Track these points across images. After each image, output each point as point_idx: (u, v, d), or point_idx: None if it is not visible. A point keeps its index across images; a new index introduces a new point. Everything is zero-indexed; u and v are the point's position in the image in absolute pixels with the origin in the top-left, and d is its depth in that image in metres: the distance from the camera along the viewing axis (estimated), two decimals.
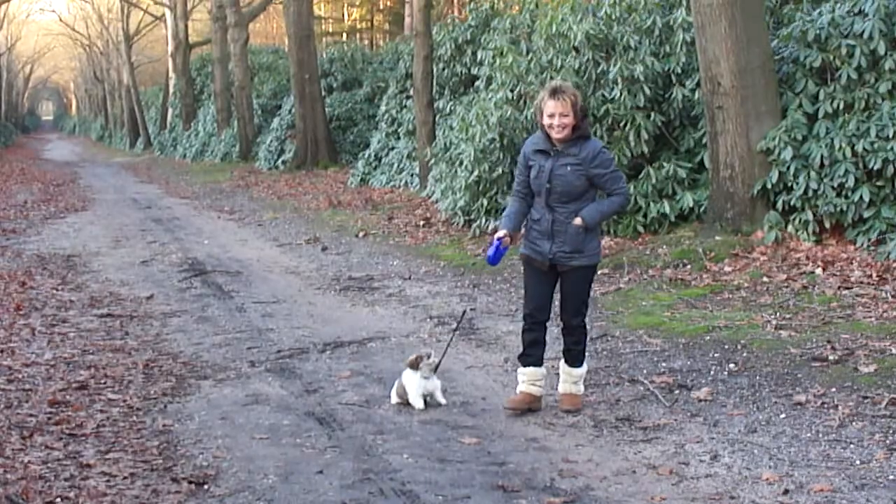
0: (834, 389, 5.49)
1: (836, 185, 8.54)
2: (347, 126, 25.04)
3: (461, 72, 17.21)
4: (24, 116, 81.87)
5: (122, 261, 11.54)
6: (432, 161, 14.82)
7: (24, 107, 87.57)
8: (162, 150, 41.61)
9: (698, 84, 9.82)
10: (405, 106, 19.68)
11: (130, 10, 47.54)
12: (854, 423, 4.97)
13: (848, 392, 5.44)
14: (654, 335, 7.03)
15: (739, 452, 4.69)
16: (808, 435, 4.86)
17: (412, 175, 17.96)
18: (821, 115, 8.93)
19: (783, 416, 5.16)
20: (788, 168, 8.81)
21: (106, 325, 7.93)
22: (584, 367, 5.53)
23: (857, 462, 4.50)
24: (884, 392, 5.36)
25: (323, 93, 24.97)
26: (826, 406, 5.25)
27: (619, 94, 10.28)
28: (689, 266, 8.84)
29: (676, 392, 5.70)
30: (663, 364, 6.31)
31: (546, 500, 4.21)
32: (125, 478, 4.51)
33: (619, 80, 10.29)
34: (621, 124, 10.37)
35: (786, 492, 4.22)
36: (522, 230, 5.52)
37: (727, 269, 8.55)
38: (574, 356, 5.47)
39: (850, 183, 8.45)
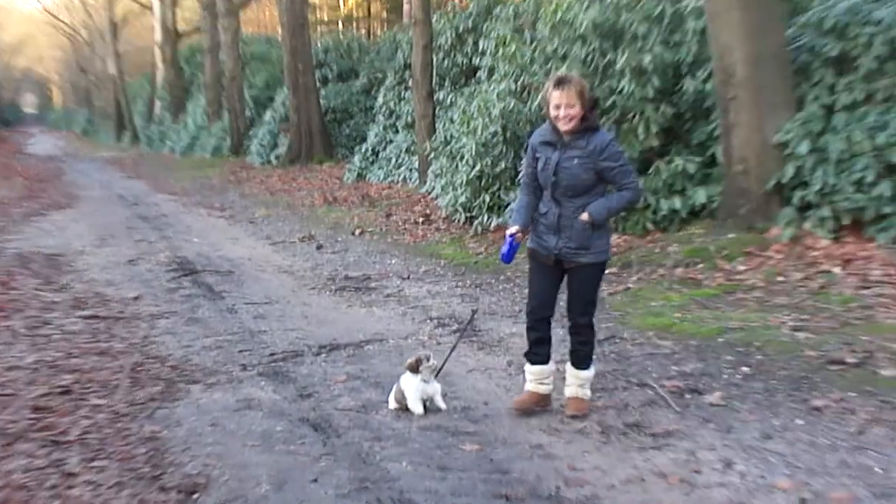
0: (853, 394, 5.48)
1: (854, 179, 8.52)
2: (343, 119, 25.05)
3: (462, 62, 17.21)
4: (5, 109, 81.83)
5: (107, 260, 11.53)
6: (432, 155, 14.83)
7: (5, 99, 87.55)
8: (149, 144, 41.62)
9: (710, 74, 9.81)
10: (403, 98, 19.69)
11: None
12: (874, 429, 4.97)
13: (867, 396, 5.43)
14: (664, 337, 7.02)
15: (754, 460, 4.68)
16: (826, 442, 4.86)
17: (411, 170, 17.96)
18: (839, 106, 8.91)
19: (800, 421, 5.15)
20: (805, 162, 8.80)
21: (91, 326, 7.91)
22: (592, 370, 5.52)
23: (878, 470, 4.49)
24: None
25: (318, 84, 24.98)
26: (845, 411, 5.25)
27: (627, 86, 10.27)
28: (700, 265, 8.83)
29: (688, 397, 5.69)
30: (674, 367, 6.30)
31: None
32: (111, 487, 4.50)
33: (627, 70, 10.28)
34: (629, 117, 10.36)
35: (802, 501, 4.21)
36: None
37: (741, 267, 8.54)
38: (581, 358, 5.47)
39: (870, 178, 8.42)
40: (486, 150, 11.92)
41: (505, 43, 12.28)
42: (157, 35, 41.46)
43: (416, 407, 5.52)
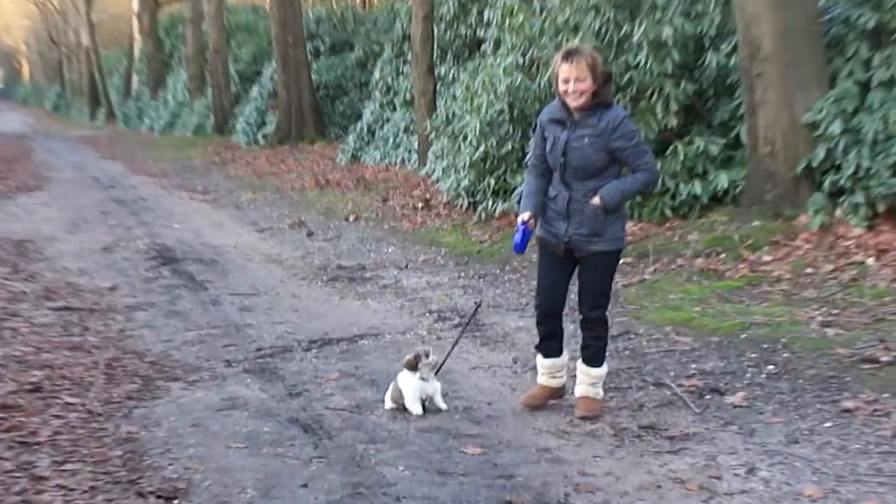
0: (886, 395, 5.48)
1: (891, 163, 8.49)
2: (337, 95, 25.00)
3: (466, 33, 17.17)
4: None
5: (81, 247, 11.53)
6: (433, 135, 14.81)
7: None
8: (126, 121, 41.57)
9: (735, 48, 9.78)
10: (402, 72, 19.65)
11: None
12: None
13: None
14: (682, 333, 7.03)
15: (779, 465, 4.68)
16: (857, 446, 4.86)
17: (410, 151, 17.94)
18: (875, 83, 8.88)
19: (829, 424, 5.16)
20: (837, 144, 8.78)
21: (63, 319, 7.91)
22: (604, 368, 5.53)
23: None
24: None
25: (309, 57, 24.92)
26: (877, 414, 5.25)
27: (644, 60, 10.25)
28: (722, 255, 8.83)
29: (708, 397, 5.70)
30: (693, 365, 6.31)
31: None
32: (84, 492, 4.50)
33: (645, 43, 10.25)
34: (647, 94, 10.34)
35: None
36: None
37: (766, 258, 8.54)
38: (592, 354, 5.48)
39: None
40: (492, 129, 11.89)
41: (512, 13, 12.24)
42: (135, 3, 41.37)
43: (415, 407, 5.53)
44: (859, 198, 8.60)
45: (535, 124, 5.57)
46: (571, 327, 5.96)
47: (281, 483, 4.61)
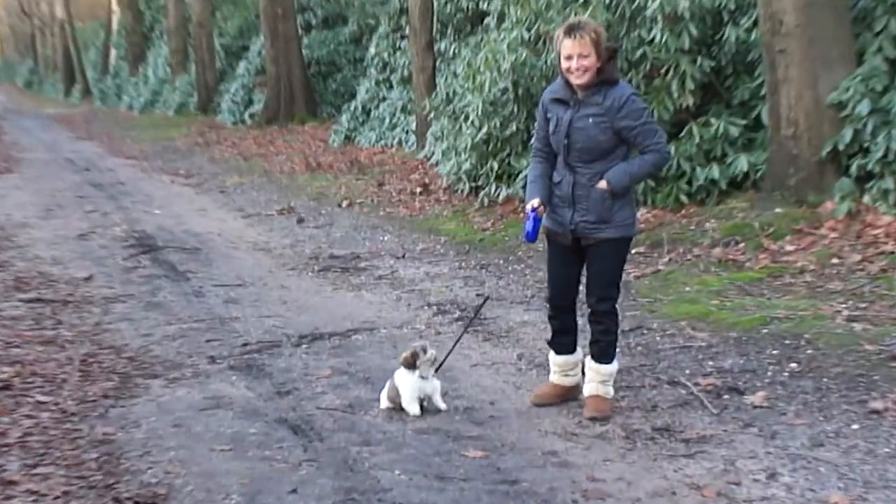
0: None
1: None
2: (329, 72, 24.99)
3: (467, 6, 17.12)
4: None
5: (54, 234, 11.52)
6: (432, 115, 14.79)
7: None
8: (103, 99, 41.55)
9: (756, 22, 9.75)
10: (399, 48, 19.62)
11: None
12: None
13: None
14: (699, 328, 7.02)
15: (802, 470, 4.68)
16: (887, 450, 4.85)
17: (407, 132, 17.93)
18: None
19: (856, 426, 5.15)
20: (865, 125, 8.76)
21: (34, 312, 7.91)
22: (615, 365, 5.53)
23: None
24: None
25: (300, 31, 24.89)
26: None
27: (659, 35, 10.22)
28: (742, 244, 8.82)
29: (726, 397, 5.70)
30: (710, 363, 6.30)
31: None
32: (57, 497, 4.50)
33: (660, 17, 10.22)
34: (661, 71, 10.31)
35: None
36: None
37: (789, 247, 8.53)
38: (602, 350, 5.48)
39: None
40: (495, 109, 11.87)
41: None
42: None
43: (412, 407, 5.52)
44: (889, 183, 8.58)
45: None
46: (580, 321, 5.94)
47: (268, 488, 4.60)
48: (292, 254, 10.48)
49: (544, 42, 11.65)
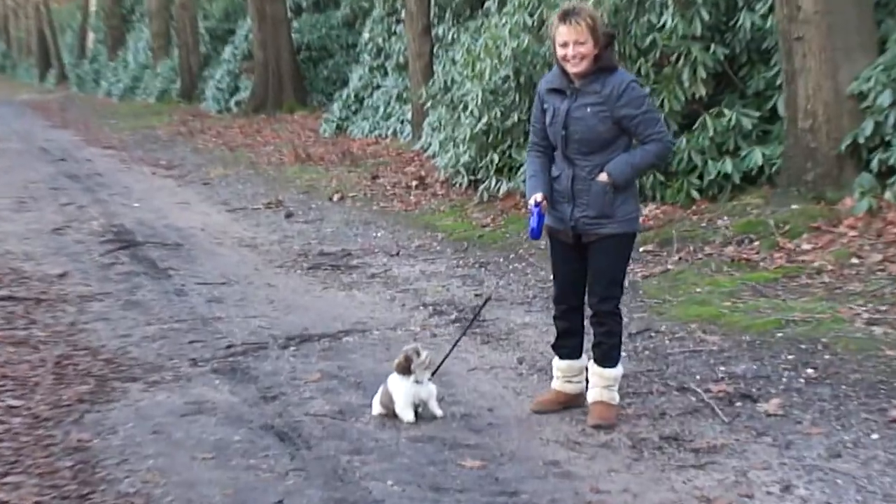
0: None
1: None
2: (320, 58, 24.96)
3: None
4: None
5: (27, 228, 11.51)
6: (429, 104, 14.78)
7: None
8: (80, 85, 41.50)
9: (772, 8, 9.75)
10: (395, 33, 19.61)
11: None
12: None
13: None
14: (710, 331, 7.02)
15: (819, 482, 4.68)
16: None
17: (402, 122, 17.92)
18: None
19: (875, 436, 5.15)
20: (887, 117, 8.76)
21: (5, 311, 7.90)
22: (620, 369, 5.53)
23: None
24: None
25: (289, 14, 24.86)
26: None
27: (669, 20, 10.22)
28: (756, 242, 8.82)
29: (738, 404, 5.69)
30: (722, 368, 6.30)
31: None
32: None
33: (671, 1, 10.22)
34: (672, 59, 10.31)
35: None
36: None
37: (805, 246, 8.53)
38: (605, 353, 5.48)
39: None
40: (495, 98, 11.87)
41: None
42: None
43: (406, 413, 5.52)
44: None
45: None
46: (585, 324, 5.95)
47: (253, 499, 4.60)
48: (280, 250, 10.47)
49: (548, 27, 11.66)
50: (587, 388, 5.57)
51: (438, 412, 5.60)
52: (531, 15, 11.82)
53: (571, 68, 5.23)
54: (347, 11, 24.78)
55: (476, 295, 8.27)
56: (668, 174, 10.15)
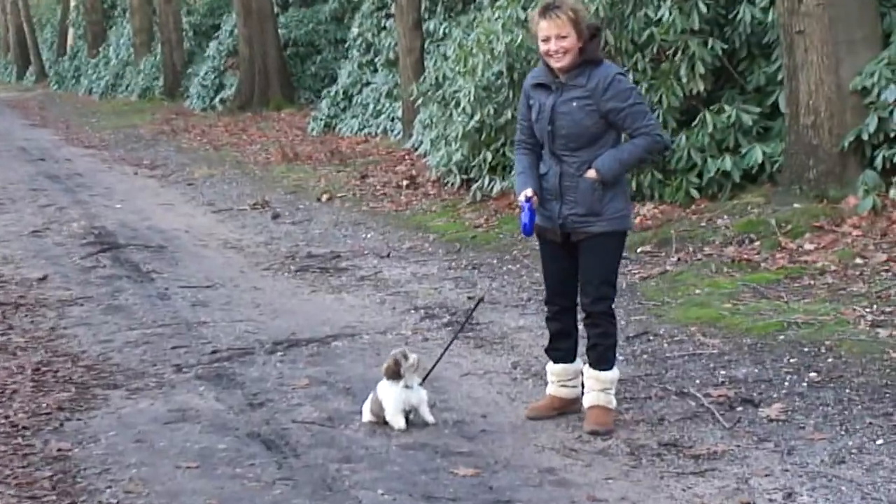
0: None
1: None
2: (308, 54, 24.92)
3: None
4: None
5: (5, 230, 11.49)
6: (420, 101, 14.77)
7: None
8: (60, 82, 41.40)
9: (772, 1, 9.76)
10: (385, 27, 19.58)
11: None
12: None
13: None
14: (710, 334, 7.02)
15: (822, 489, 4.68)
16: None
17: (393, 120, 17.89)
18: None
19: (880, 441, 5.16)
20: (891, 113, 8.77)
21: None
22: (615, 371, 5.53)
23: None
24: None
25: (275, 9, 24.83)
26: None
27: (667, 14, 10.21)
28: (757, 242, 8.82)
29: (739, 409, 5.70)
30: (722, 372, 6.31)
31: None
32: None
33: None
34: (670, 54, 10.31)
35: None
36: None
37: (808, 246, 8.53)
38: (600, 355, 5.49)
39: None
40: (488, 95, 11.86)
41: None
42: None
43: (397, 420, 5.51)
44: None
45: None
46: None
47: None
48: (267, 252, 10.45)
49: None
50: (583, 392, 5.57)
51: (430, 419, 5.59)
52: (524, 9, 11.79)
53: (555, 63, 5.27)
54: (335, 6, 24.73)
55: (469, 297, 8.26)
56: (666, 172, 10.15)
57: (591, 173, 5.28)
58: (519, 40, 11.61)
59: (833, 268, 8.06)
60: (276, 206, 13.00)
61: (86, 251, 10.39)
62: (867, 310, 7.10)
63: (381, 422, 5.56)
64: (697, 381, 6.15)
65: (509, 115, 11.74)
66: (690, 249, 9.02)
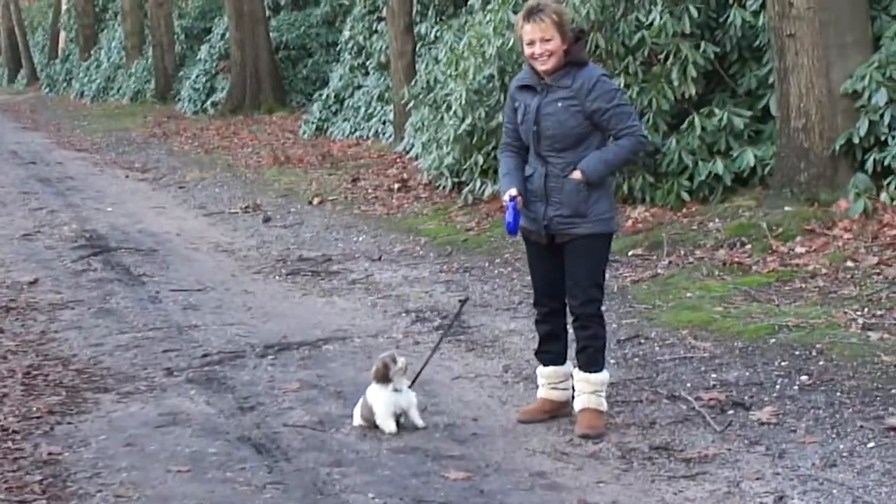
0: None
1: None
2: (299, 57, 24.91)
3: None
4: None
5: None
6: (411, 104, 14.76)
7: None
8: (52, 86, 41.32)
9: (763, 4, 9.77)
10: (376, 31, 19.58)
11: None
12: None
13: None
14: (701, 337, 7.02)
15: (813, 493, 4.68)
16: None
17: (384, 123, 17.89)
18: None
19: (872, 445, 5.16)
20: (882, 116, 8.78)
21: None
22: (606, 374, 5.54)
23: None
24: None
25: (267, 12, 24.82)
26: None
27: (658, 18, 10.23)
28: (748, 245, 8.83)
29: (730, 412, 5.70)
30: (713, 375, 6.31)
31: None
32: None
33: None
34: (661, 57, 10.32)
35: None
36: None
37: (799, 249, 8.54)
38: (590, 357, 5.49)
39: None
40: (480, 98, 11.86)
41: None
42: None
43: (387, 424, 5.50)
44: None
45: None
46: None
47: None
48: (258, 256, 10.44)
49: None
50: (573, 395, 5.57)
51: (420, 422, 5.58)
52: (515, 12, 11.80)
53: (540, 66, 5.31)
54: (327, 9, 24.74)
55: (459, 300, 8.25)
56: (657, 175, 10.15)
57: (576, 174, 5.31)
58: (510, 44, 11.60)
59: (824, 271, 8.06)
60: (267, 210, 12.99)
61: (77, 254, 10.37)
62: (858, 313, 7.11)
63: (371, 426, 5.56)
64: (688, 385, 6.16)
65: (500, 119, 11.74)
66: (681, 252, 9.02)
